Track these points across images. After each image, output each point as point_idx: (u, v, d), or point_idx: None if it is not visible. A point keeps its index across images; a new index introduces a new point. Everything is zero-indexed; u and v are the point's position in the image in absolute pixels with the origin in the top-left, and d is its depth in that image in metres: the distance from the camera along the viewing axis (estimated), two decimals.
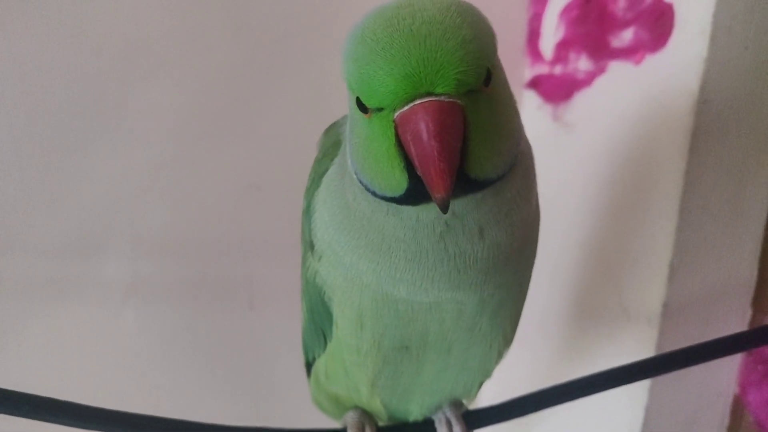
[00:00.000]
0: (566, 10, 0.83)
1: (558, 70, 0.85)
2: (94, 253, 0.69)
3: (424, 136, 0.33)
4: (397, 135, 0.35)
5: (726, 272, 0.69)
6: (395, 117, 0.34)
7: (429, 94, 0.33)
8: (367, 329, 0.44)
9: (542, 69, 0.88)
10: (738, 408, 0.70)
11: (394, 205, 0.39)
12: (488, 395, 0.93)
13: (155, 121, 0.69)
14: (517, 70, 0.90)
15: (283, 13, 0.74)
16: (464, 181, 0.36)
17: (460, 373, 0.49)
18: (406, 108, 0.34)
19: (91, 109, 0.66)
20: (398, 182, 0.36)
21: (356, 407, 0.54)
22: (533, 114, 0.89)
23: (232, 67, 0.72)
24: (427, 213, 0.38)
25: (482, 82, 0.35)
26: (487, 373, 0.52)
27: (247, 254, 0.76)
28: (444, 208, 0.34)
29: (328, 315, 0.47)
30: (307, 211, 0.46)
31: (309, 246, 0.46)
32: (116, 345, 0.72)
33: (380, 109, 0.35)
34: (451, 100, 0.33)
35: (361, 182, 0.40)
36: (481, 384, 0.54)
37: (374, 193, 0.39)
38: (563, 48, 0.84)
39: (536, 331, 0.88)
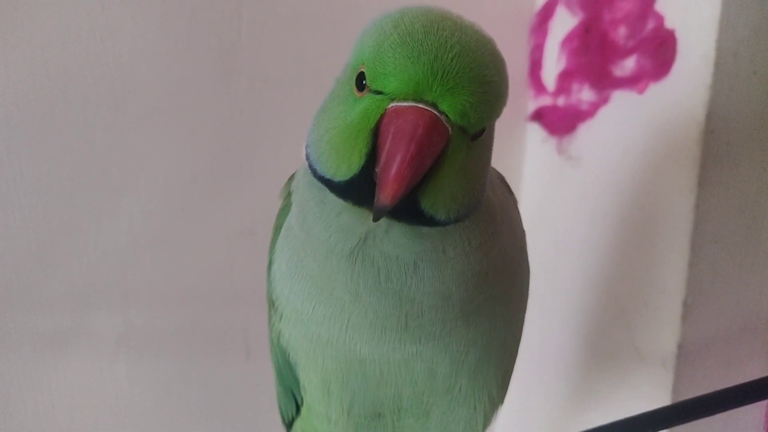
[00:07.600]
0: (567, 40, 0.81)
1: (561, 101, 0.83)
2: (84, 304, 0.67)
3: (408, 136, 0.32)
4: (378, 124, 0.34)
5: (745, 310, 0.65)
6: (389, 106, 0.34)
7: (432, 105, 0.33)
8: (335, 396, 0.42)
9: (545, 100, 0.86)
10: None
11: (324, 193, 0.38)
12: None
13: (145, 168, 0.68)
14: (519, 102, 0.88)
15: (274, 58, 0.73)
16: (411, 208, 0.35)
17: None
18: (404, 104, 0.34)
19: (79, 158, 0.65)
20: (349, 166, 0.35)
21: None
22: (538, 147, 0.87)
23: (222, 112, 0.71)
24: (349, 214, 0.37)
25: (475, 132, 0.36)
26: None
27: (242, 302, 0.74)
28: (379, 213, 0.33)
29: (295, 379, 0.45)
30: (269, 267, 0.45)
31: (271, 304, 0.44)
32: (108, 398, 0.70)
33: (378, 93, 0.35)
34: (446, 123, 0.34)
35: (308, 158, 0.39)
36: None
37: (315, 172, 0.38)
38: (565, 78, 0.82)
39: (550, 372, 0.85)
